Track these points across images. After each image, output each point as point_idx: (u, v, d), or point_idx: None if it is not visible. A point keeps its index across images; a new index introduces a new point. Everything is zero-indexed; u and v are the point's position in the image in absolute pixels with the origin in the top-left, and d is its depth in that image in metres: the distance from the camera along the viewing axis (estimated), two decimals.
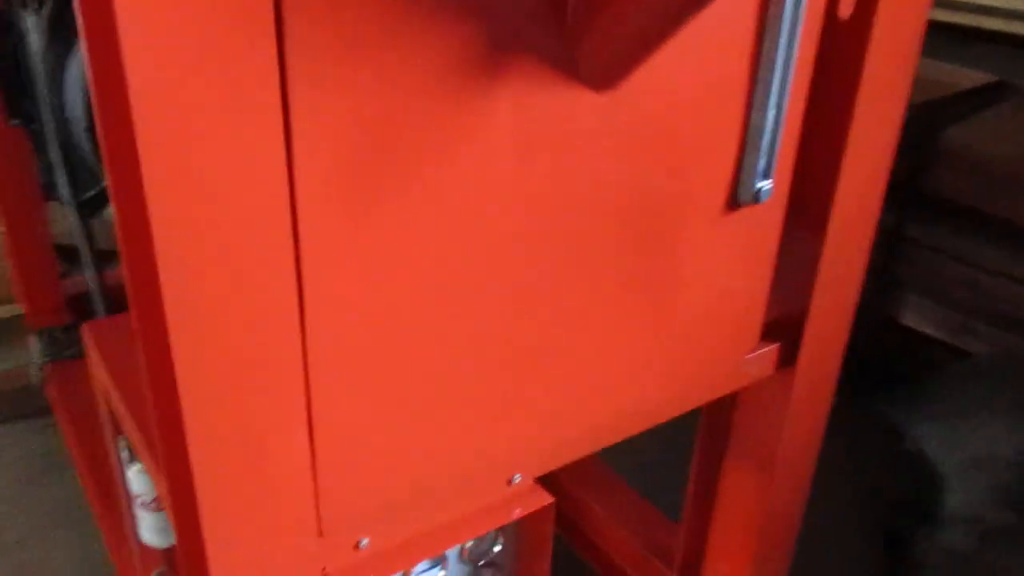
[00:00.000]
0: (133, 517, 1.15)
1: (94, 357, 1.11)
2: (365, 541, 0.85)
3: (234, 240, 0.65)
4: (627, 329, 0.94)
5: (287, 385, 0.72)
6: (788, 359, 1.16)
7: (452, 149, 0.73)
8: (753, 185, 0.92)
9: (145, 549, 1.19)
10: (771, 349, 1.14)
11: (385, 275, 0.74)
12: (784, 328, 1.15)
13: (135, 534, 1.17)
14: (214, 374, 0.68)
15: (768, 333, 1.13)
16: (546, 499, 0.97)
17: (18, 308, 2.10)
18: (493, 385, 0.86)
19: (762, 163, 0.91)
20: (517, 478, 0.95)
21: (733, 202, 0.95)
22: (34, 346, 2.00)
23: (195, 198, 0.62)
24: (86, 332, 1.15)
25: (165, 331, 0.65)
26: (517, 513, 0.95)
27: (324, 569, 0.83)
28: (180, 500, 0.73)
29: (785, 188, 1.00)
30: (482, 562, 1.02)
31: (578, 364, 0.92)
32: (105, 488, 1.60)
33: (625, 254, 0.90)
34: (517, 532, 1.04)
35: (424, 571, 0.97)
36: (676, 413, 1.09)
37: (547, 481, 1.70)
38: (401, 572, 0.92)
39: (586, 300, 0.89)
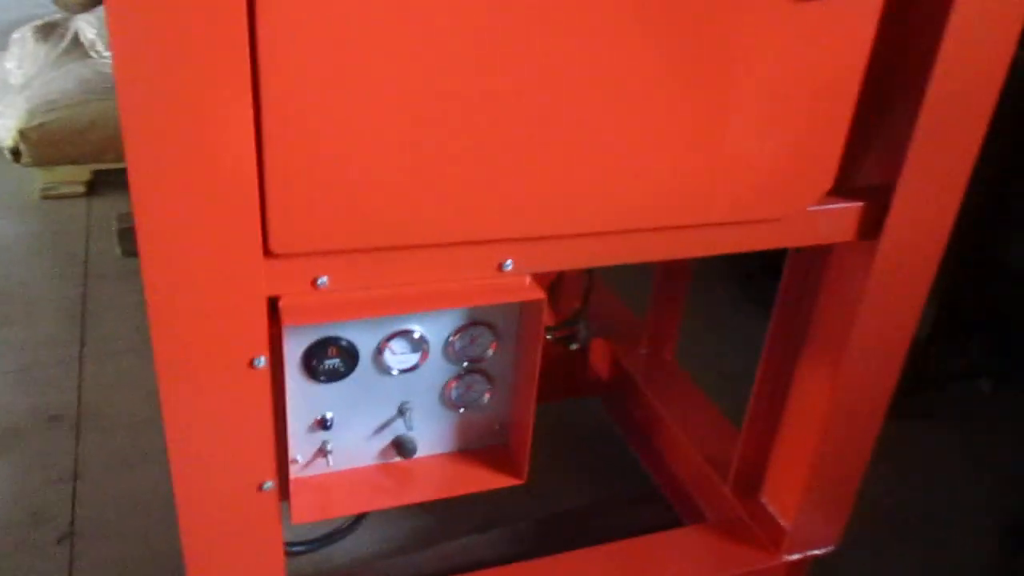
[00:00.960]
0: None
1: None
2: (324, 279, 0.80)
3: None
4: (663, 124, 0.82)
5: (230, 57, 0.66)
6: (871, 229, 0.99)
7: None
8: None
9: None
10: (848, 208, 0.97)
11: None
12: (869, 192, 0.98)
13: None
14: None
15: (846, 190, 0.97)
16: (536, 294, 0.87)
17: None
18: (490, 143, 0.78)
19: None
20: (508, 264, 0.86)
21: None
22: None
23: None
24: None
25: None
26: (499, 298, 0.86)
27: (273, 298, 0.79)
28: None
29: None
30: (467, 363, 0.94)
31: (595, 151, 0.81)
32: None
33: (670, 32, 0.78)
34: (514, 340, 0.95)
35: (401, 352, 0.90)
36: (714, 250, 0.95)
37: (626, 388, 1.59)
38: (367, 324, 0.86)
39: (618, 76, 0.78)
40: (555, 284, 1.67)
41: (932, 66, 0.89)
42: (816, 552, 1.28)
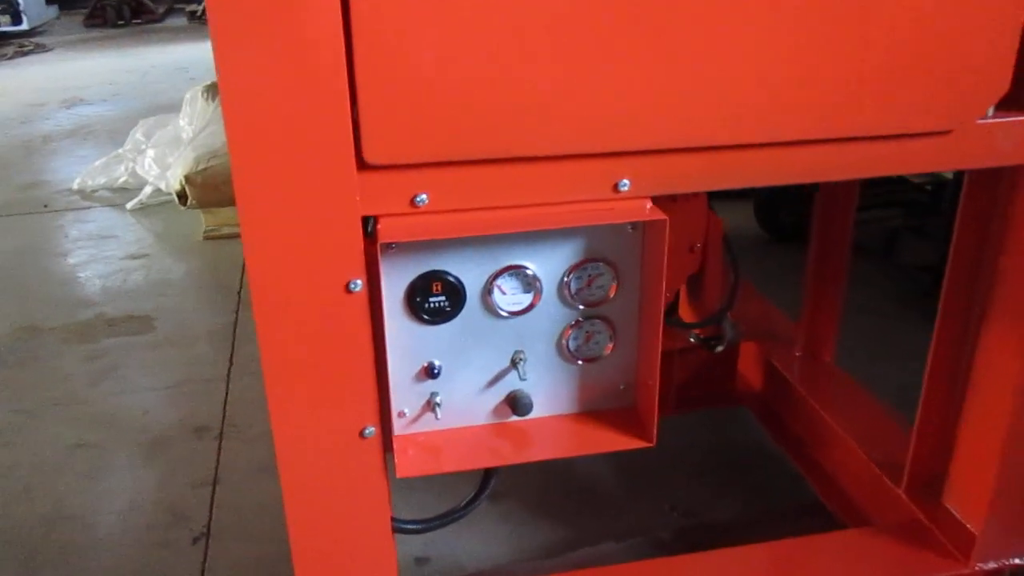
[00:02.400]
0: None
1: None
2: (423, 197, 0.74)
3: None
4: (795, 14, 0.73)
5: None
6: None
7: None
8: None
9: None
10: None
11: None
12: None
13: None
14: None
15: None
16: (658, 214, 0.78)
17: None
18: (600, 41, 0.70)
19: None
20: (625, 184, 0.77)
21: None
22: None
23: None
24: None
25: None
26: (615, 218, 0.77)
27: (371, 218, 0.74)
28: None
29: None
30: (584, 308, 0.85)
31: (718, 48, 0.72)
32: None
33: None
34: (638, 282, 0.85)
35: (511, 292, 0.83)
36: (867, 171, 0.82)
37: (780, 393, 1.45)
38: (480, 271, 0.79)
39: None
40: (695, 280, 1.56)
41: None
42: (1018, 561, 1.08)
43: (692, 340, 1.58)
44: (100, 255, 2.84)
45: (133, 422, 1.89)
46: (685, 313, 1.62)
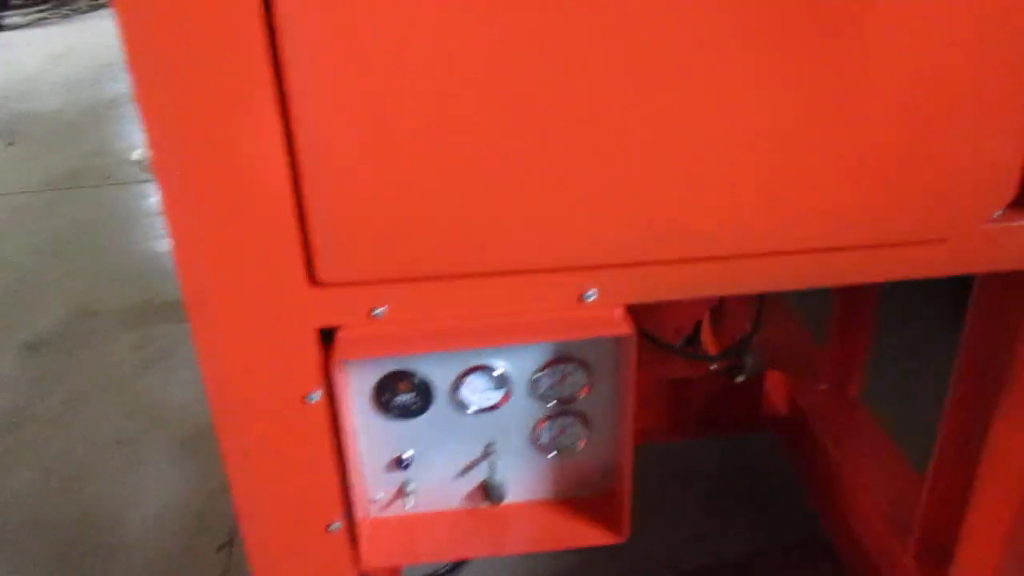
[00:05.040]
0: None
1: None
2: (380, 310, 0.73)
3: None
4: (772, 123, 0.68)
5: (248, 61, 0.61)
6: None
7: None
8: None
9: None
10: None
11: None
12: None
13: None
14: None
15: None
16: (622, 329, 0.75)
17: None
18: (560, 154, 0.67)
19: None
20: (591, 294, 0.75)
21: None
22: None
23: None
24: None
25: None
26: (579, 333, 0.75)
27: (331, 329, 0.73)
28: None
29: None
30: (557, 404, 0.84)
31: (689, 158, 0.68)
32: None
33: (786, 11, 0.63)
34: (612, 379, 0.83)
35: (481, 390, 0.82)
36: (858, 278, 0.78)
37: (802, 427, 1.40)
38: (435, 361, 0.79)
39: (716, 61, 0.65)
40: (718, 305, 1.51)
41: None
42: None
43: (713, 368, 1.54)
44: (159, 233, 2.91)
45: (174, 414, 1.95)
46: (708, 338, 1.58)
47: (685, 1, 0.62)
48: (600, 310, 0.76)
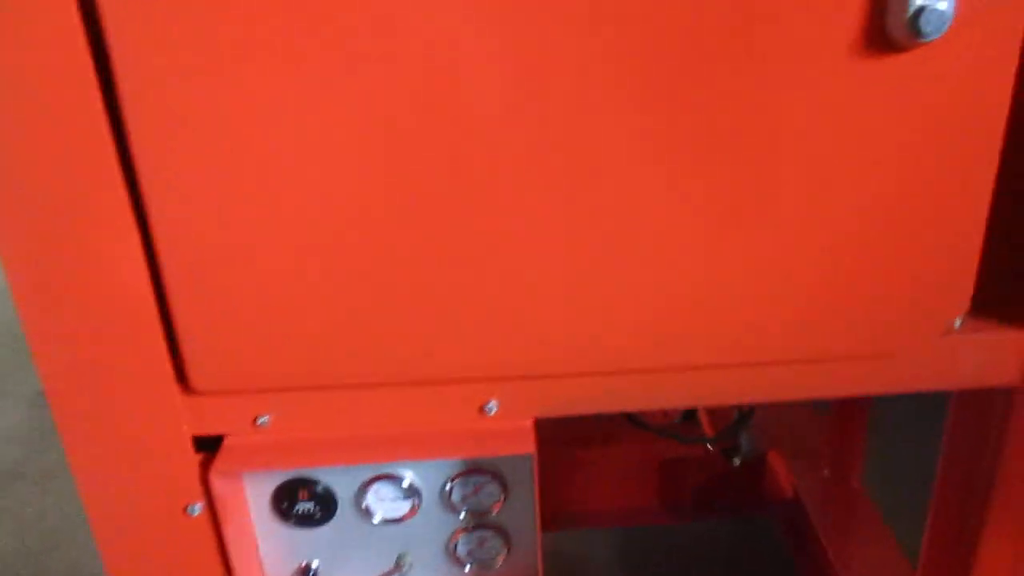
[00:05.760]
0: None
1: None
2: (264, 419, 0.68)
3: None
4: (679, 230, 0.61)
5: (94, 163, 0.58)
6: None
7: None
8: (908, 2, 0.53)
9: None
10: (1003, 338, 0.68)
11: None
12: None
13: None
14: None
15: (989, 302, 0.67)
16: (523, 447, 0.69)
17: None
18: (449, 261, 0.62)
19: None
20: (492, 407, 0.69)
21: (883, 41, 0.55)
22: None
23: None
24: None
25: None
26: (476, 451, 0.69)
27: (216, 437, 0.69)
28: None
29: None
30: (470, 516, 0.77)
31: (588, 266, 0.63)
32: None
33: (700, 110, 0.57)
34: (530, 485, 0.76)
35: (388, 499, 0.76)
36: (804, 394, 0.70)
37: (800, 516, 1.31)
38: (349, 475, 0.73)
39: (610, 164, 0.59)
40: None
41: None
42: None
43: (709, 448, 1.45)
44: None
45: None
46: (704, 417, 1.50)
47: (571, 111, 0.56)
48: (504, 423, 0.70)
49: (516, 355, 0.66)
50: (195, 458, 0.68)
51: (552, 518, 0.97)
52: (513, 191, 0.59)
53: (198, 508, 0.70)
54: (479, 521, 0.78)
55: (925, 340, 0.66)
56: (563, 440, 1.46)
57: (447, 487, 0.76)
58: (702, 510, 1.50)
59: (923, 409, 1.96)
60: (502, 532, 0.78)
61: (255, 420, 0.68)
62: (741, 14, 0.54)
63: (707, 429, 1.47)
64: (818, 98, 0.57)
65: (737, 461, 1.42)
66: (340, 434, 0.70)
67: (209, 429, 0.68)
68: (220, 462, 0.68)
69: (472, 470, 0.75)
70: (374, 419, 0.69)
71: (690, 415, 1.50)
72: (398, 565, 0.80)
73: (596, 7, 0.54)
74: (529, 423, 0.70)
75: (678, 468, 1.51)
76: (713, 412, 1.46)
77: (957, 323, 0.67)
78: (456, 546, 0.79)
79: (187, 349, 0.64)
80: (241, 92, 0.55)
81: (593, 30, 0.54)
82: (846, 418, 1.36)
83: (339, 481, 0.75)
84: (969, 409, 0.81)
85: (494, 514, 0.78)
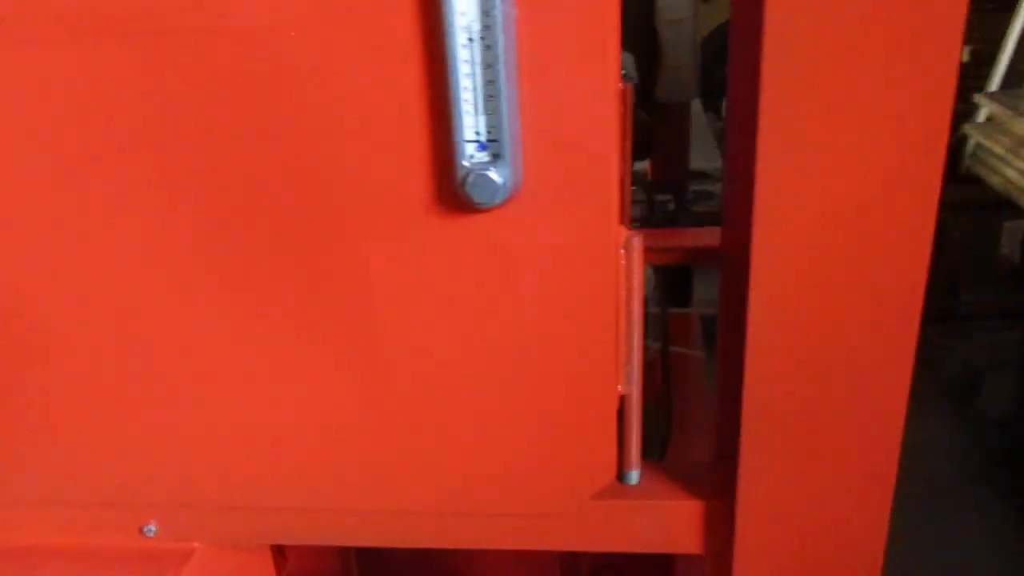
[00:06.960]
0: None
1: None
2: None
3: None
4: (307, 382, 0.60)
5: None
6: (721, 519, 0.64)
7: None
8: (463, 156, 0.50)
9: None
10: (662, 505, 0.64)
11: None
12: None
13: None
14: None
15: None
16: (168, 570, 0.68)
17: None
18: (89, 389, 0.62)
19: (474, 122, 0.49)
20: (151, 531, 0.68)
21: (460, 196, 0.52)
22: None
23: None
24: None
25: None
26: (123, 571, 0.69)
27: None
28: None
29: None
30: None
31: (224, 400, 0.62)
32: None
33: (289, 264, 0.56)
34: None
35: None
36: (472, 543, 0.68)
37: None
38: None
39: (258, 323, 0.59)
40: None
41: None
42: None
43: None
44: None
45: None
46: None
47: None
48: (167, 544, 0.69)
49: (172, 484, 0.66)
50: None
51: None
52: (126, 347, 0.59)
53: None
54: None
55: (577, 504, 0.64)
56: None
57: None
58: None
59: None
60: None
61: None
62: (316, 185, 0.53)
63: None
64: (401, 257, 0.55)
65: None
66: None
67: None
68: None
69: None
70: (31, 533, 0.69)
71: None
72: None
73: (176, 186, 0.54)
74: (198, 546, 0.70)
75: None
76: None
77: (635, 480, 0.65)
78: None
79: None
80: None
81: (172, 207, 0.54)
82: None
83: None
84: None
85: None
